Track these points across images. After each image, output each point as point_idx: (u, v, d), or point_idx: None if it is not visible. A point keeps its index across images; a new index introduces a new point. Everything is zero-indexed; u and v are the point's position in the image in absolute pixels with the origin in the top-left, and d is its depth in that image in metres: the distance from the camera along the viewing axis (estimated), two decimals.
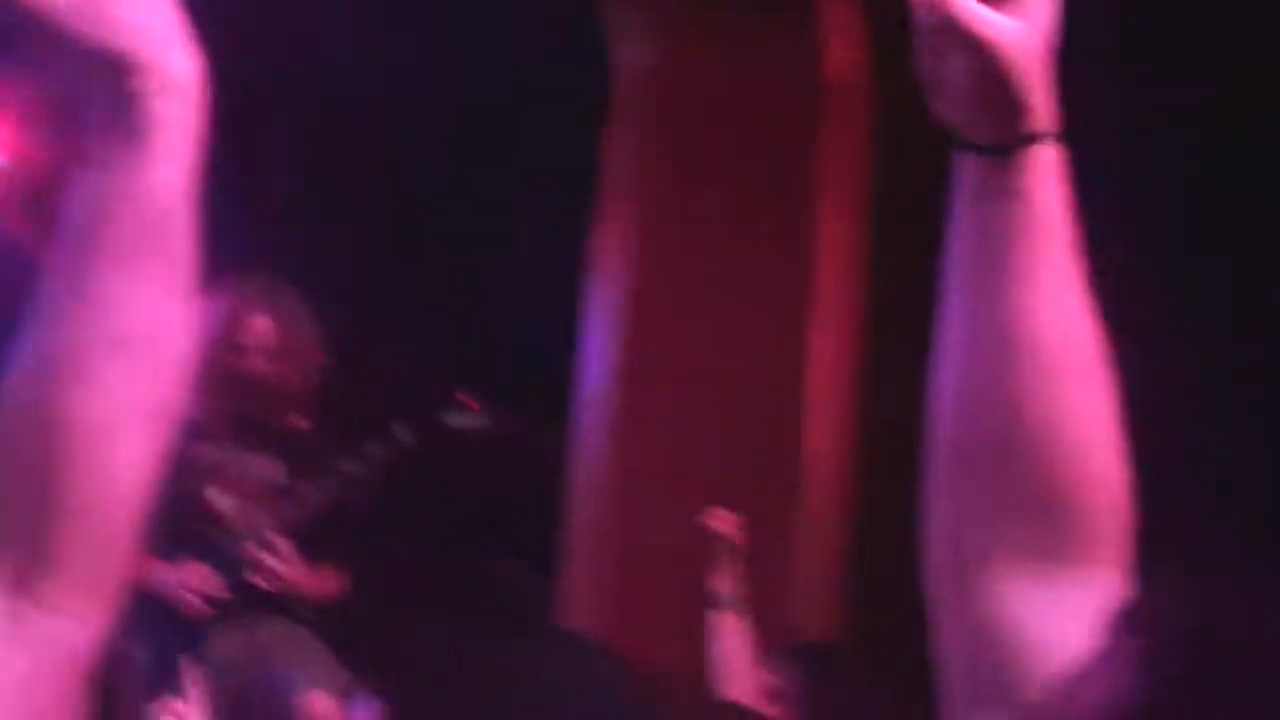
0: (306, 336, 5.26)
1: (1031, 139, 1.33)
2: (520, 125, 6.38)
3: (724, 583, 4.29)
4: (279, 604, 5.09)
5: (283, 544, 5.06)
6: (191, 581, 4.99)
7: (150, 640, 4.96)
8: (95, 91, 1.18)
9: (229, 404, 5.18)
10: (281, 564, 5.05)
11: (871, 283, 5.88)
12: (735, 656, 4.24)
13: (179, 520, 5.05)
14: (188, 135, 1.21)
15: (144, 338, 1.18)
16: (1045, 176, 1.33)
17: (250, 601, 5.03)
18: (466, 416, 5.26)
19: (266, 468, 5.20)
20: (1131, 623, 1.07)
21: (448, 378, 5.36)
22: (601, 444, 5.78)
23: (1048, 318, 1.33)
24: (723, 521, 4.39)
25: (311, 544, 5.10)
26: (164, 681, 4.74)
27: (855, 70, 6.05)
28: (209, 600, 4.99)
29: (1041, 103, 1.33)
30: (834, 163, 5.95)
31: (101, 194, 1.18)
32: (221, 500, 5.14)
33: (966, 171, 1.35)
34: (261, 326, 5.19)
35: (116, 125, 1.18)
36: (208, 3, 1.28)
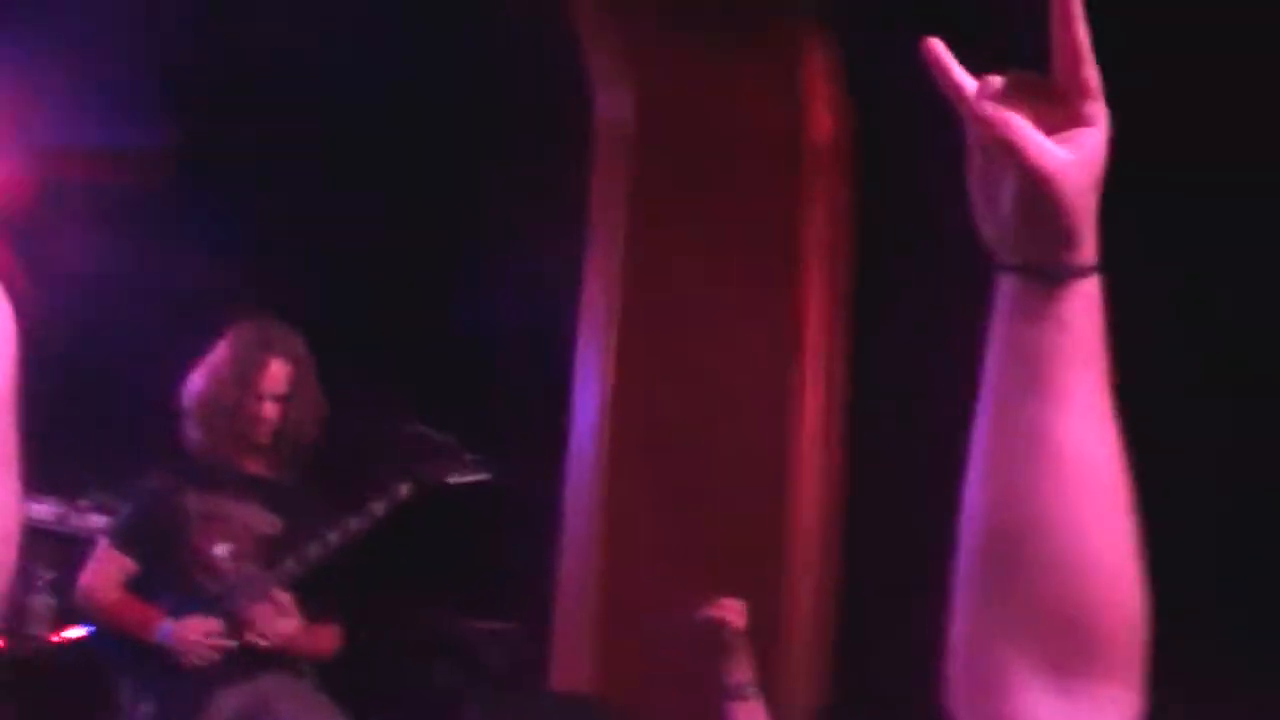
0: (315, 385, 5.23)
1: (1078, 270, 1.36)
2: (505, 175, 6.40)
3: (740, 671, 4.34)
4: (279, 658, 5.05)
5: (282, 598, 5.02)
6: (195, 634, 4.95)
7: (157, 693, 4.94)
8: None
9: (235, 447, 5.13)
10: (281, 619, 5.00)
11: (857, 342, 5.92)
12: None
13: (181, 572, 5.02)
14: (7, 361, 1.39)
15: None
16: (1087, 306, 1.36)
17: (251, 654, 4.99)
18: (465, 472, 5.28)
19: (267, 521, 5.15)
20: None
21: (441, 428, 5.35)
22: (590, 500, 5.80)
23: (1076, 440, 1.36)
24: (730, 610, 4.42)
25: (311, 598, 5.08)
26: None
27: (838, 129, 6.11)
28: (212, 653, 4.94)
29: (1090, 235, 1.36)
30: (816, 223, 6.00)
31: None
32: (223, 552, 5.08)
33: (1005, 289, 1.37)
34: (278, 371, 5.17)
35: None
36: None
